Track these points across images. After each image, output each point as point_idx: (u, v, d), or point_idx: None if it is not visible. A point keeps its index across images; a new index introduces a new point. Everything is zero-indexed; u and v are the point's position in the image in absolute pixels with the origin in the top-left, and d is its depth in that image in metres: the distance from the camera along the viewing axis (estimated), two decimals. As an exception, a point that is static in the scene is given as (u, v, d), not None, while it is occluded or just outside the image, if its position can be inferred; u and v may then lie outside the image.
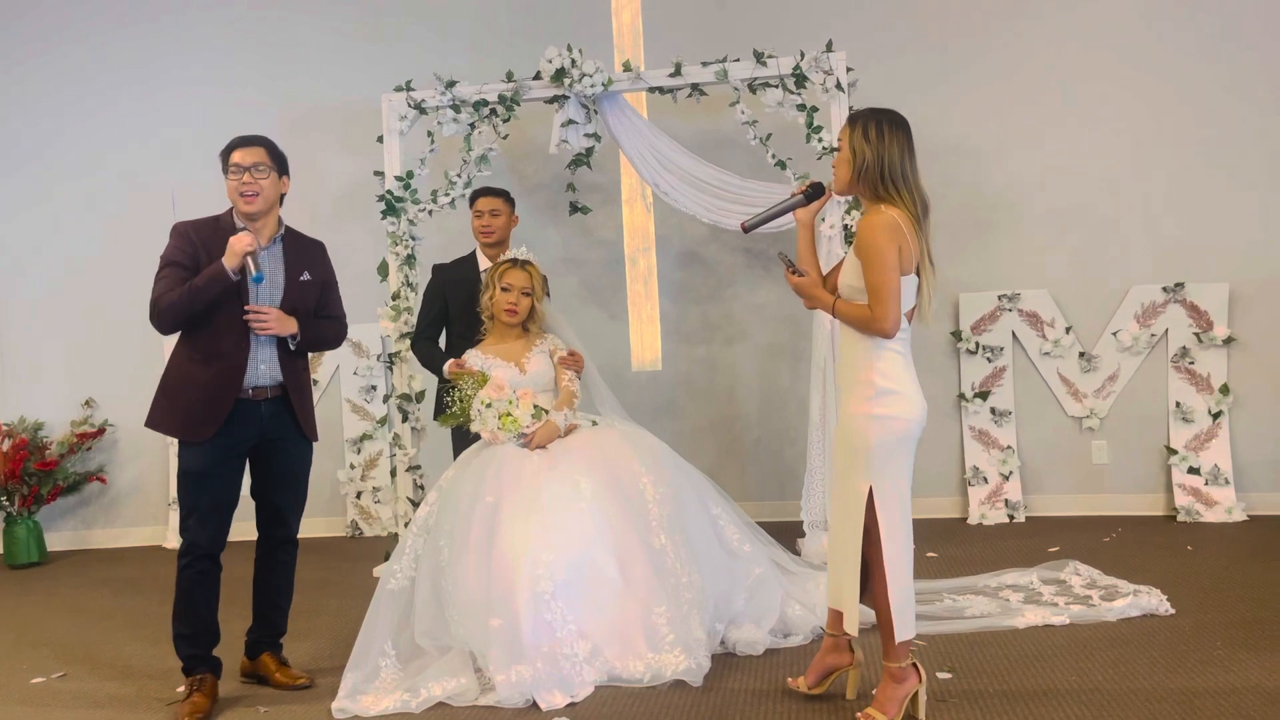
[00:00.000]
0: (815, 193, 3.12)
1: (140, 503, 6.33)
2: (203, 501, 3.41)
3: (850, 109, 5.03)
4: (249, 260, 3.32)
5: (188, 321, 3.38)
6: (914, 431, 2.98)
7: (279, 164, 3.49)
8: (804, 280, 3.01)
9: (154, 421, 3.50)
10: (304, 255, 3.58)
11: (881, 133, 2.92)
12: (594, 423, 3.98)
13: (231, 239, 3.34)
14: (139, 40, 6.28)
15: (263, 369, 3.46)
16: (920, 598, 4.06)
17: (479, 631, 3.39)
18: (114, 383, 6.28)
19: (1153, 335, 5.54)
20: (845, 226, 4.83)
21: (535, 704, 3.26)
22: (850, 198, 4.39)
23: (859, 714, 2.99)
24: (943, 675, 3.32)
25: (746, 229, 3.20)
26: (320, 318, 3.65)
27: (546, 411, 3.82)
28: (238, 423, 3.42)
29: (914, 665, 2.99)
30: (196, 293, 3.32)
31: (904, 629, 2.95)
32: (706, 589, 3.56)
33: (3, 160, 6.34)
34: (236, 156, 3.42)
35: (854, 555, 2.97)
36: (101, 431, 6.24)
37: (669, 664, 3.37)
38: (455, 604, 3.48)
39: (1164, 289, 5.51)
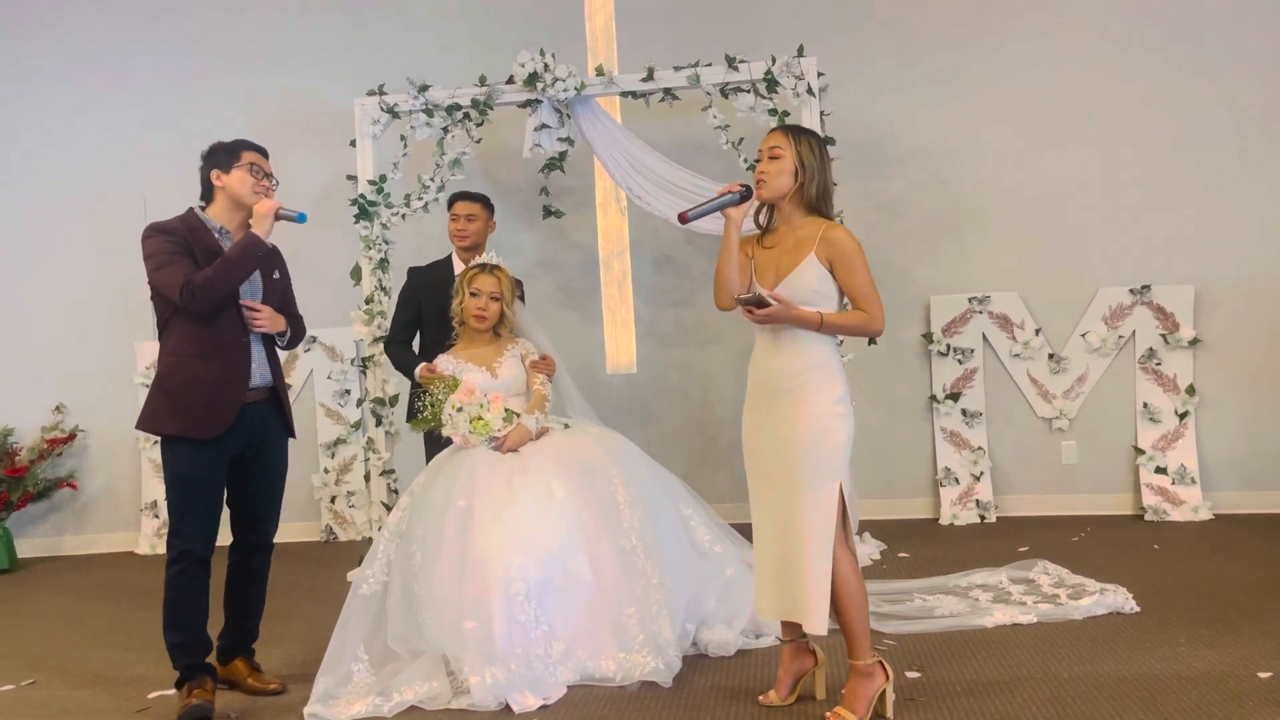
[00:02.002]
0: (747, 193, 3.17)
1: (111, 509, 6.28)
2: (198, 505, 3.39)
3: (822, 113, 5.09)
4: (284, 210, 3.40)
5: (224, 296, 3.37)
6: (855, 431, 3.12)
7: None
8: (777, 309, 2.96)
9: (151, 422, 3.41)
10: (269, 255, 3.59)
11: (823, 152, 3.09)
12: (566, 426, 3.99)
13: (256, 206, 3.39)
14: (109, 44, 6.25)
15: (255, 368, 3.49)
16: (890, 597, 4.13)
17: (453, 635, 3.40)
18: (84, 388, 6.24)
19: (1120, 337, 5.61)
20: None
21: (508, 706, 3.27)
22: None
23: (828, 714, 3.01)
24: (912, 674, 3.35)
25: (686, 220, 3.15)
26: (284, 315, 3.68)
27: (518, 415, 3.83)
28: (233, 426, 3.43)
29: (880, 663, 3.02)
30: (233, 263, 3.33)
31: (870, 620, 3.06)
32: (677, 590, 3.58)
33: (-29, 164, 6.31)
34: (256, 158, 3.48)
35: (825, 556, 2.95)
36: (72, 437, 6.20)
37: (639, 664, 3.40)
38: (428, 608, 3.49)
39: (1131, 291, 5.58)
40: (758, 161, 3.13)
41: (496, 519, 3.50)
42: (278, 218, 3.40)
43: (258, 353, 3.51)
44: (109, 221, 6.11)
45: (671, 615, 3.52)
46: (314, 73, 6.06)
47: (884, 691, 3.01)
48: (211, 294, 3.34)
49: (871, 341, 5.21)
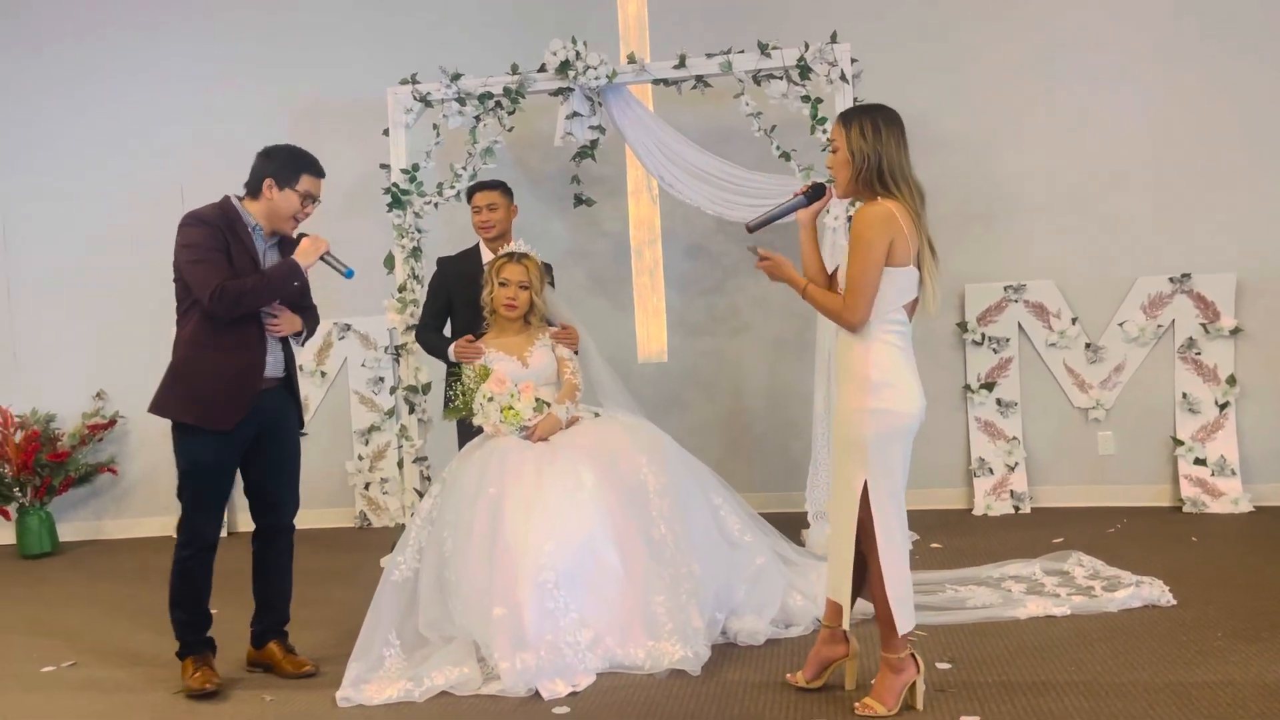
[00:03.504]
0: (816, 194, 3.12)
1: (150, 493, 6.37)
2: (212, 493, 3.49)
3: (855, 100, 5.04)
4: (331, 258, 3.51)
5: (252, 310, 3.44)
6: (910, 426, 2.99)
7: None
8: (770, 264, 3.00)
9: (165, 408, 3.48)
10: (288, 253, 3.64)
11: (878, 129, 2.94)
12: (596, 414, 4.00)
13: (307, 241, 3.51)
14: (148, 35, 6.30)
15: (270, 361, 3.55)
16: (922, 588, 4.09)
17: (482, 621, 3.42)
18: (124, 375, 6.32)
19: (1159, 326, 5.52)
20: (849, 218, 4.83)
21: (538, 693, 3.29)
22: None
23: (856, 704, 3.01)
24: (942, 666, 3.33)
25: (751, 229, 3.16)
26: (299, 308, 3.74)
27: (548, 404, 3.84)
28: (248, 414, 3.48)
29: (912, 656, 3.00)
30: (271, 285, 3.43)
31: (904, 621, 2.97)
32: (706, 579, 3.58)
33: (14, 152, 6.39)
34: (313, 186, 3.54)
35: (848, 549, 2.99)
36: (112, 423, 6.29)
37: (667, 653, 3.41)
38: (459, 594, 3.52)
39: (1171, 280, 5.49)
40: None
41: (526, 507, 3.52)
42: (322, 259, 3.49)
43: (274, 346, 3.57)
44: (148, 211, 6.16)
45: (701, 604, 3.53)
46: (347, 62, 6.08)
47: (914, 683, 3.00)
48: (241, 306, 3.42)
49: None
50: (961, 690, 3.14)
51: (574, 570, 3.46)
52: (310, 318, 3.74)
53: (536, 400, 3.83)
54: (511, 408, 3.78)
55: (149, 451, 6.37)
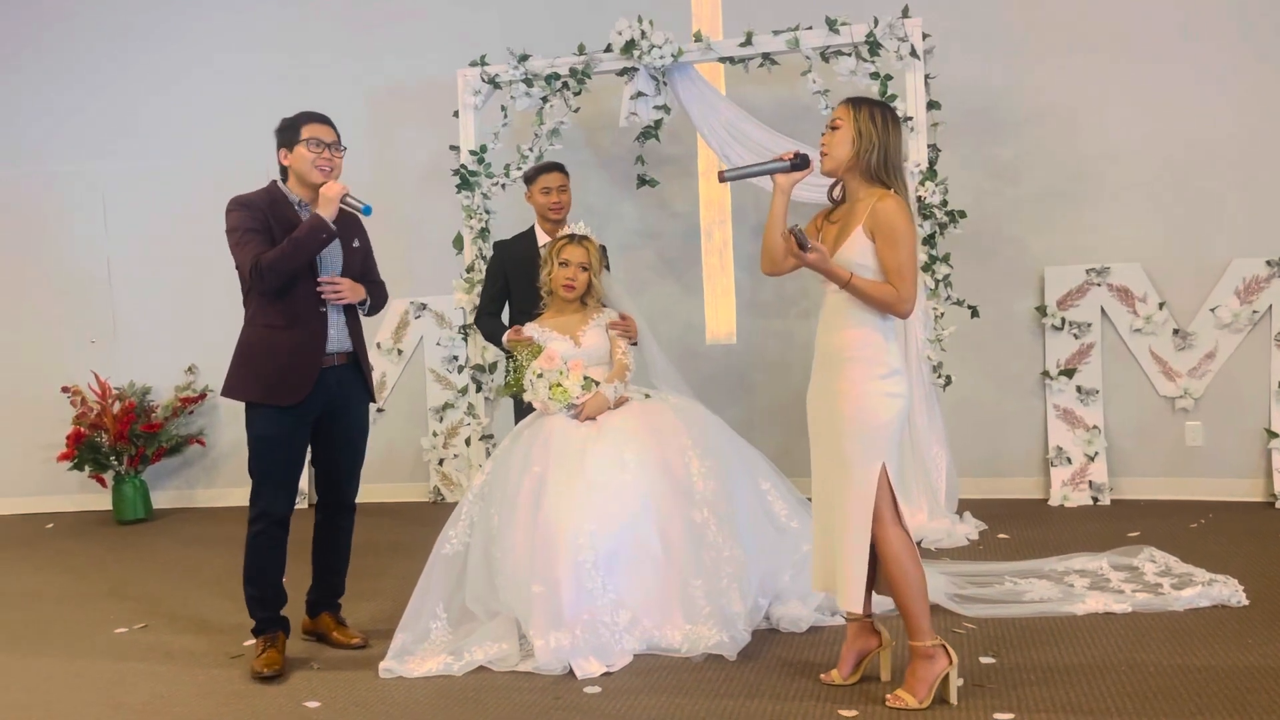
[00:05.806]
0: (801, 163, 3.08)
1: (237, 465, 6.60)
2: (278, 468, 3.56)
3: (927, 77, 4.91)
4: (351, 200, 3.45)
5: (292, 275, 3.45)
6: (909, 410, 3.04)
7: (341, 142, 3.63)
8: (814, 257, 2.94)
9: (234, 389, 3.59)
10: (349, 224, 3.69)
11: (887, 121, 2.98)
12: (646, 396, 3.98)
13: (323, 189, 3.45)
14: (231, 24, 6.49)
15: (334, 335, 3.59)
16: (978, 580, 3.99)
17: (522, 598, 3.46)
18: (214, 350, 6.44)
19: (1255, 312, 5.24)
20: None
21: (572, 671, 3.31)
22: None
23: (888, 696, 2.95)
24: (985, 660, 3.24)
25: (723, 178, 3.20)
26: (366, 283, 3.77)
27: (597, 383, 3.85)
28: (312, 391, 3.55)
29: (943, 646, 2.93)
30: (300, 244, 3.41)
31: (929, 598, 2.98)
32: (749, 564, 3.55)
33: (115, 138, 6.66)
34: (316, 131, 3.52)
35: (864, 536, 2.93)
36: (202, 396, 6.55)
37: (704, 636, 3.39)
38: (502, 571, 3.56)
39: (1268, 262, 5.20)
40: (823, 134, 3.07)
41: (568, 487, 3.53)
42: (343, 204, 3.46)
43: (336, 319, 3.60)
44: (234, 192, 6.31)
45: (742, 589, 3.50)
46: (421, 44, 6.14)
47: (947, 675, 2.92)
48: (278, 274, 3.44)
49: (974, 314, 5.03)
50: (1001, 686, 3.04)
51: (614, 551, 3.47)
52: (377, 293, 3.78)
53: (585, 379, 3.84)
54: (559, 385, 3.80)
55: (236, 424, 6.50)
